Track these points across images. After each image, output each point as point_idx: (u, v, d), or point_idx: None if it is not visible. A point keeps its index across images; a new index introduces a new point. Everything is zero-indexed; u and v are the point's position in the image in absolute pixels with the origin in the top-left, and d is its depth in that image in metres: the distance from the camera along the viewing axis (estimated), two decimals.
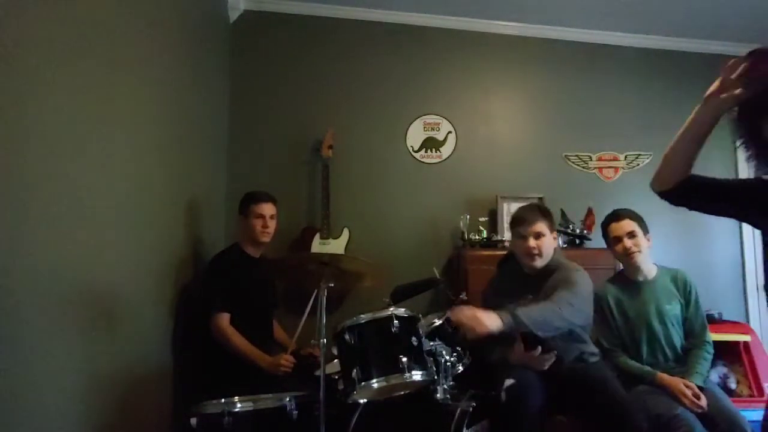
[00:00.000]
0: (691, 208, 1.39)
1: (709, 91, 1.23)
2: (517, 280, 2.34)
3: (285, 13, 3.65)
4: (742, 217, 1.32)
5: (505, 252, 3.22)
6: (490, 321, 1.90)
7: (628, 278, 2.49)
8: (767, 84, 1.11)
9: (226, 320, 2.45)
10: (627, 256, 2.43)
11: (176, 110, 2.57)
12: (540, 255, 2.25)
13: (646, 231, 2.46)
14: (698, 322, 2.43)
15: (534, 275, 2.28)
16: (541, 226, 2.26)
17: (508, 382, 2.03)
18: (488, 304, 2.38)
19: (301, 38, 3.65)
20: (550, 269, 2.27)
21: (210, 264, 2.62)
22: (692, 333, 2.42)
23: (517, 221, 2.31)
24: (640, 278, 2.47)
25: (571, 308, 2.07)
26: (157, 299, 2.36)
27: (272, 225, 2.68)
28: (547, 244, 2.26)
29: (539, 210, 2.35)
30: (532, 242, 2.24)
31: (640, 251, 2.42)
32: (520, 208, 2.38)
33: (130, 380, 2.04)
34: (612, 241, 2.48)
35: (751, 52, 1.18)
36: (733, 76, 1.17)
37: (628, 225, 2.44)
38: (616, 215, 2.49)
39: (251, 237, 2.64)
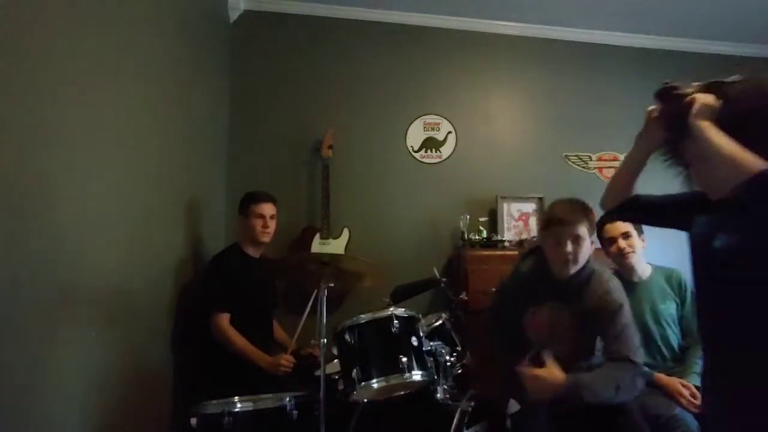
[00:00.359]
0: (637, 222, 1.64)
1: (638, 134, 1.47)
2: (542, 282, 2.08)
3: (285, 13, 3.64)
4: (680, 228, 1.49)
5: (505, 251, 3.22)
6: (543, 391, 1.77)
7: (622, 279, 2.49)
8: (677, 121, 1.27)
9: (226, 320, 2.45)
10: (621, 256, 2.43)
11: (176, 110, 2.57)
12: (575, 262, 1.97)
13: (640, 232, 2.46)
14: (694, 322, 2.42)
15: (564, 281, 2.02)
16: (582, 230, 1.96)
17: (513, 407, 1.98)
18: (503, 302, 2.29)
19: (301, 38, 3.64)
20: (582, 277, 2.01)
21: (210, 264, 2.62)
22: (689, 332, 2.42)
23: (555, 221, 1.98)
24: (635, 279, 2.47)
25: (640, 351, 1.89)
26: (157, 299, 2.36)
27: (272, 225, 2.68)
28: (585, 250, 1.98)
29: (582, 209, 2.00)
30: (569, 247, 1.95)
31: (634, 252, 2.42)
32: (559, 204, 2.04)
33: (130, 380, 2.04)
34: (606, 241, 2.47)
35: (655, 94, 1.36)
36: (653, 117, 1.40)
37: (623, 226, 2.43)
38: (610, 215, 2.48)
39: (251, 237, 2.64)
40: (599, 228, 2.50)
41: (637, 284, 2.46)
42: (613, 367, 1.82)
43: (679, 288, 2.46)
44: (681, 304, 2.45)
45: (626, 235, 2.43)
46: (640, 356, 1.86)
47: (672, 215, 1.51)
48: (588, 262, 2.03)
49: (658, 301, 2.42)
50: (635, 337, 1.90)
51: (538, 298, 2.07)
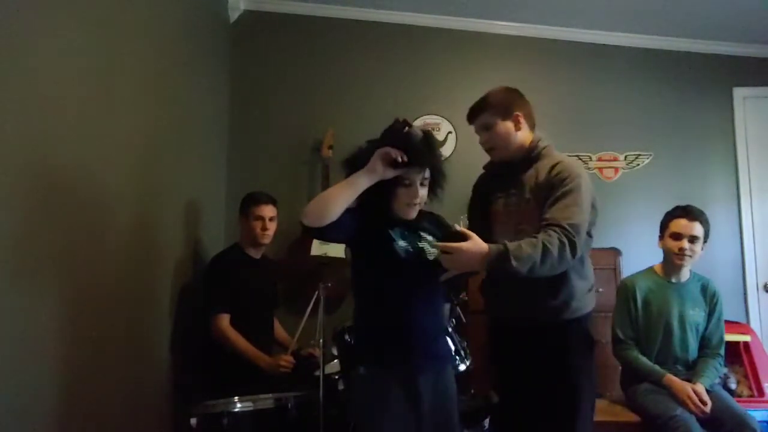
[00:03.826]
0: (326, 239, 1.75)
1: (373, 167, 1.58)
2: (495, 177, 2.01)
3: (285, 13, 3.64)
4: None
5: None
6: (472, 264, 1.63)
7: (661, 276, 2.49)
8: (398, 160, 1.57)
9: (226, 321, 2.45)
10: (677, 256, 2.41)
11: (176, 110, 2.57)
12: (493, 148, 1.91)
13: (705, 241, 2.43)
14: (717, 336, 2.44)
15: (509, 166, 1.92)
16: (484, 118, 1.89)
17: (495, 398, 1.97)
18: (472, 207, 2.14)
19: (301, 38, 3.64)
20: (531, 158, 1.88)
21: (210, 264, 2.62)
22: (708, 344, 2.43)
23: (468, 120, 1.98)
24: (673, 279, 2.48)
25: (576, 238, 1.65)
26: (157, 299, 2.36)
27: (272, 227, 2.67)
28: (498, 134, 1.87)
29: (481, 100, 1.93)
30: (483, 137, 1.92)
31: (692, 257, 2.40)
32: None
33: (131, 380, 2.03)
34: (670, 234, 2.44)
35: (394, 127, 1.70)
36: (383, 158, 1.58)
37: (696, 229, 2.40)
38: (690, 213, 2.42)
39: (251, 238, 2.64)
40: (669, 218, 2.46)
41: (674, 284, 2.48)
42: (543, 232, 1.65)
43: (711, 299, 2.47)
44: (708, 315, 2.46)
45: (694, 239, 2.39)
46: (576, 229, 1.65)
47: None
48: (533, 143, 1.89)
49: (688, 306, 2.43)
50: (579, 210, 1.69)
51: (492, 191, 1.98)
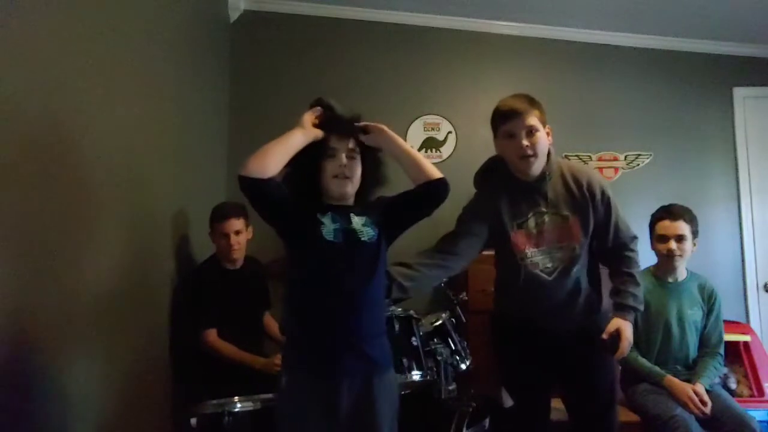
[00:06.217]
0: (263, 195, 1.57)
1: (303, 122, 1.60)
2: (518, 193, 1.89)
3: (285, 13, 3.64)
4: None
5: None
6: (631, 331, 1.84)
7: (657, 276, 2.49)
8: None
9: (214, 335, 2.45)
10: (668, 257, 2.40)
11: (175, 110, 2.57)
12: (535, 155, 1.80)
13: (696, 235, 2.41)
14: (716, 334, 2.44)
15: (531, 181, 1.86)
16: (533, 119, 1.81)
17: (508, 401, 1.97)
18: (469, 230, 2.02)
19: (301, 38, 3.64)
20: (552, 171, 1.88)
21: (191, 277, 2.57)
22: (708, 343, 2.43)
23: (503, 116, 1.83)
24: (670, 279, 2.47)
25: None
26: (156, 299, 2.36)
27: (240, 239, 2.54)
28: (542, 141, 1.82)
29: (528, 99, 1.86)
30: (524, 140, 1.79)
31: (682, 256, 2.39)
32: (504, 101, 1.88)
33: (130, 380, 2.03)
34: (657, 237, 2.43)
35: (313, 102, 1.70)
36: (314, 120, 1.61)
37: (680, 227, 2.38)
38: (672, 213, 2.41)
39: (222, 254, 2.57)
40: (654, 220, 2.46)
41: (671, 284, 2.47)
42: (628, 252, 1.92)
43: (708, 298, 2.46)
44: (707, 313, 2.45)
45: (680, 238, 2.38)
46: (633, 232, 1.97)
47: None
48: (550, 155, 1.89)
49: (686, 306, 2.42)
50: (624, 217, 1.95)
51: (522, 208, 1.88)
